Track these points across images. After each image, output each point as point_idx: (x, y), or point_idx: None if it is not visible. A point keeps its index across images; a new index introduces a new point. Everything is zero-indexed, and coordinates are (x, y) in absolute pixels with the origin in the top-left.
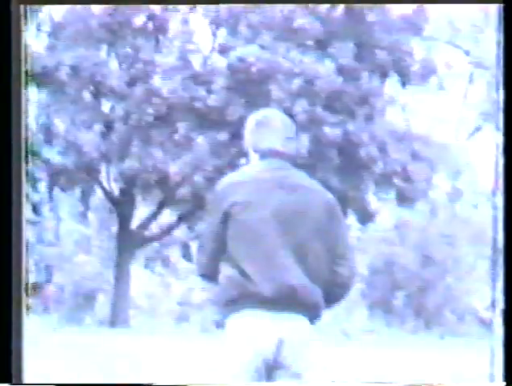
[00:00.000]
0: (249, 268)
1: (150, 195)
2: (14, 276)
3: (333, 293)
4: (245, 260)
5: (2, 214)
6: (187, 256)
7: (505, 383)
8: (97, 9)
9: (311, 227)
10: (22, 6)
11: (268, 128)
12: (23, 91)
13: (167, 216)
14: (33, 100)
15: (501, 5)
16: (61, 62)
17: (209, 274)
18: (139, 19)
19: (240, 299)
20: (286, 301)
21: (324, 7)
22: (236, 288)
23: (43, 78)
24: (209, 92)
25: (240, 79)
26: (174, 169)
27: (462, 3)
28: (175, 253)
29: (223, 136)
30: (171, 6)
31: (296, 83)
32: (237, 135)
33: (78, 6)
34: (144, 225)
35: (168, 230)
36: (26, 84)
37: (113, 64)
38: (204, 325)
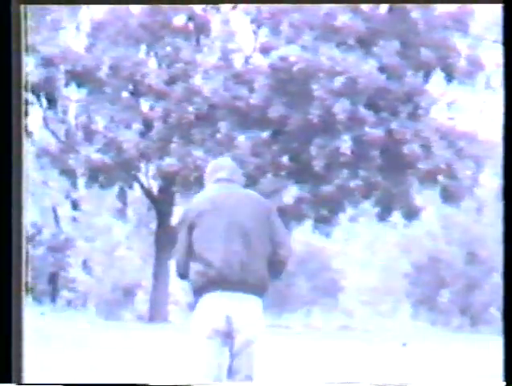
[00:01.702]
0: (211, 258)
1: (189, 193)
2: (14, 276)
3: (276, 267)
4: (208, 254)
5: (2, 215)
6: None
7: (505, 383)
8: (136, 9)
9: (253, 225)
10: (22, 6)
11: (220, 168)
12: (23, 92)
13: None
14: (73, 99)
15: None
16: (101, 61)
17: (183, 273)
18: (180, 19)
19: (205, 286)
20: (238, 281)
21: (366, 6)
22: (202, 278)
23: (82, 77)
24: (251, 91)
25: (281, 78)
26: None
27: (462, 3)
28: None
29: (265, 134)
30: (206, 6)
31: (338, 81)
32: (278, 133)
33: (118, 6)
34: None
35: None
36: (67, 83)
37: (153, 64)
38: None
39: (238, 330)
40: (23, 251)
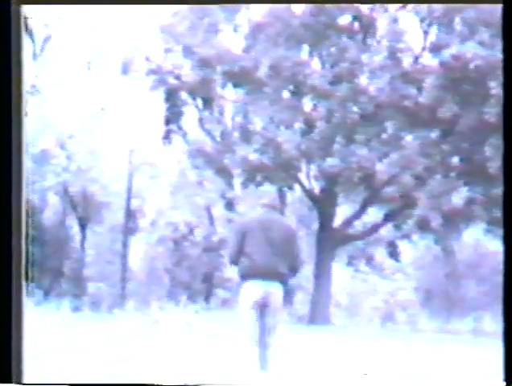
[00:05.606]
0: (253, 257)
1: (353, 194)
2: (15, 277)
3: (293, 269)
4: (252, 254)
5: (2, 215)
6: (394, 255)
7: (505, 383)
8: (298, 9)
9: (282, 240)
10: (22, 6)
11: (265, 195)
12: (24, 91)
13: (372, 215)
14: (230, 99)
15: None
16: (259, 62)
17: (234, 262)
18: (345, 19)
19: (249, 273)
20: (271, 273)
21: None
22: (246, 269)
23: (240, 77)
24: (419, 90)
25: (454, 76)
26: (381, 168)
27: (462, 3)
28: (380, 252)
29: (434, 134)
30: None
31: None
32: (448, 134)
33: (279, 7)
34: (347, 223)
35: (373, 229)
36: (224, 83)
37: (316, 64)
38: (412, 324)
39: (270, 303)
40: (23, 252)
